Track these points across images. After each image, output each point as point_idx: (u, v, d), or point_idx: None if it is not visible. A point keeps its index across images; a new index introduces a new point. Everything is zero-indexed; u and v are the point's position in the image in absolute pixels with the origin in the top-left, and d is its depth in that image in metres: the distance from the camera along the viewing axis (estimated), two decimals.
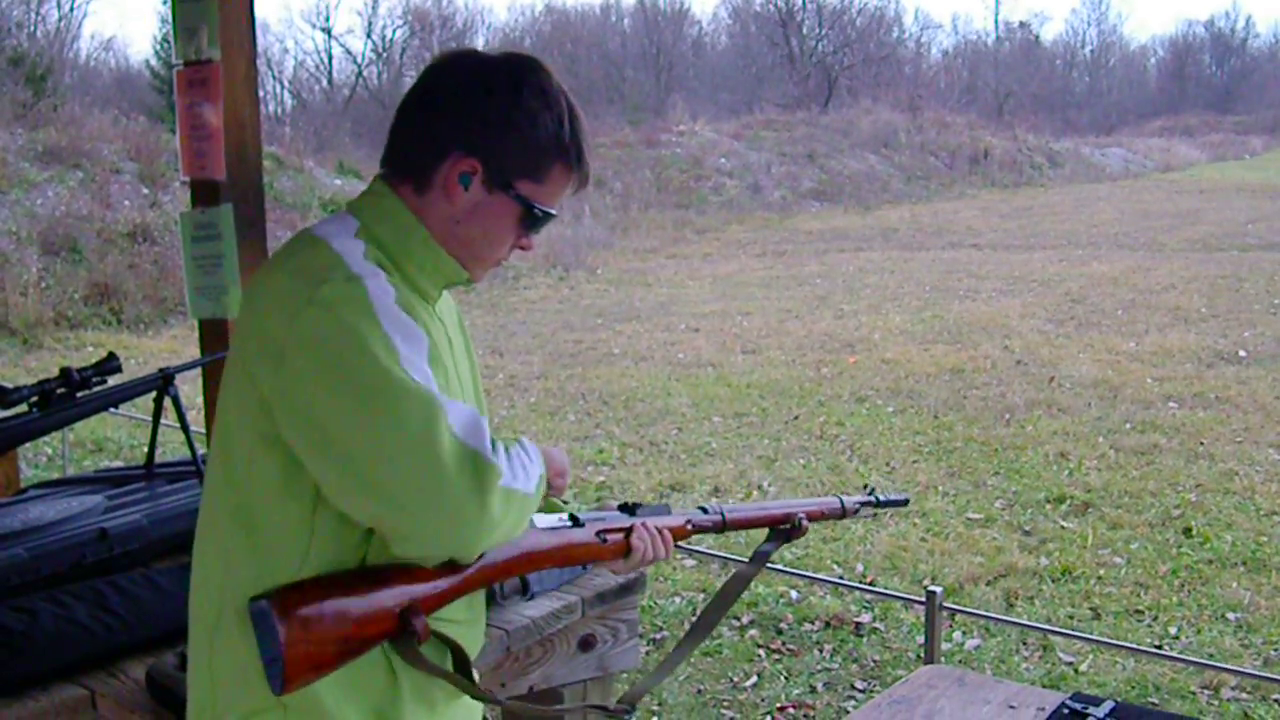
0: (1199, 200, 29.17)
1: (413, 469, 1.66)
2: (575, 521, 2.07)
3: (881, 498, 2.60)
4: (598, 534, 2.07)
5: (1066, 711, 2.56)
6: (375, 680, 1.85)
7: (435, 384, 1.74)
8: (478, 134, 1.86)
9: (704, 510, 2.27)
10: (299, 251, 1.86)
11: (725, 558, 6.28)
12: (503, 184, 1.88)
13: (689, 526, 2.22)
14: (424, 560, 1.79)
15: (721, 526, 2.28)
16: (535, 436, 9.54)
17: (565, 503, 2.14)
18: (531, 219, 1.93)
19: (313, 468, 1.74)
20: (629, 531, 2.10)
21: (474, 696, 1.97)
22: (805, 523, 2.37)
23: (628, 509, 2.15)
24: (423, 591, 1.82)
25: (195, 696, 1.91)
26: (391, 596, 1.79)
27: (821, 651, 5.67)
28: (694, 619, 2.40)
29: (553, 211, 1.94)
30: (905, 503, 2.75)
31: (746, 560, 2.42)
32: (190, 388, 6.97)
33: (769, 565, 6.07)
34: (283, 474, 1.78)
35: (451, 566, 1.84)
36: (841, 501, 2.48)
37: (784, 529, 2.36)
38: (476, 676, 1.98)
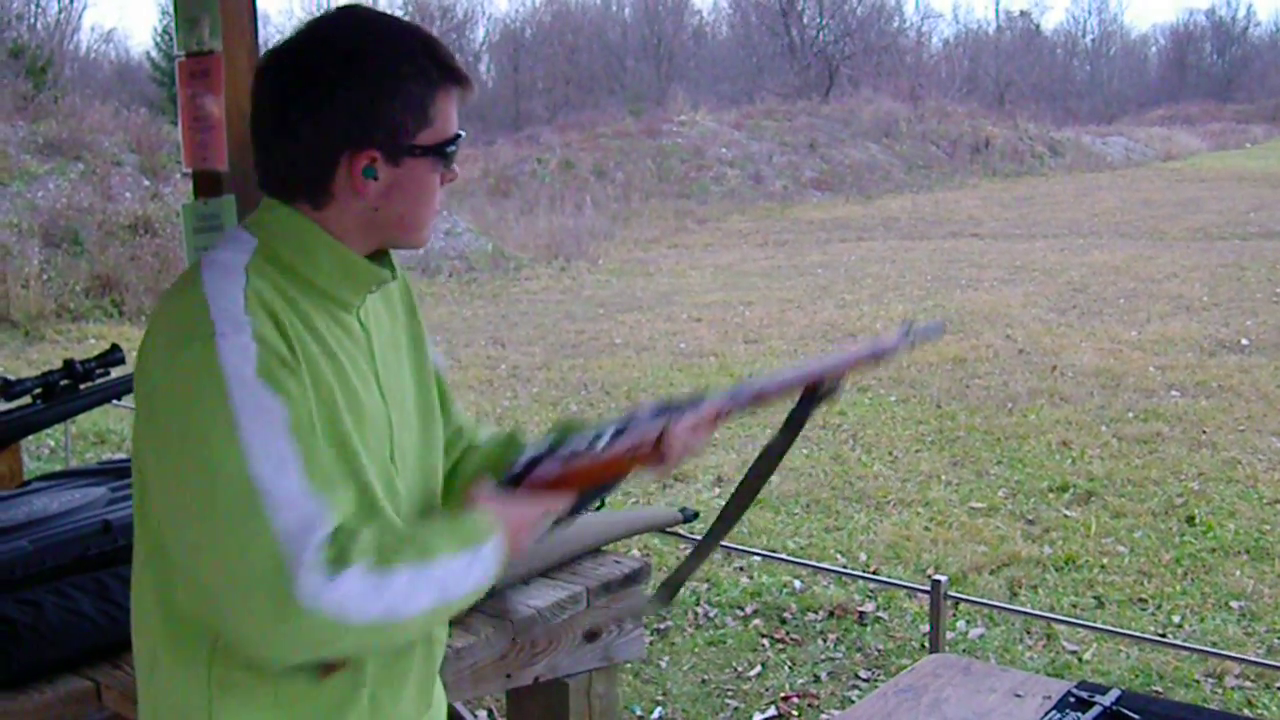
0: (1200, 189, 29.14)
1: (221, 566, 1.57)
2: (591, 441, 2.01)
3: (917, 331, 2.40)
4: (628, 450, 2.00)
5: (1072, 699, 2.55)
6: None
7: (299, 461, 1.61)
8: (356, 126, 1.73)
9: (736, 390, 2.16)
10: (176, 293, 1.75)
11: (730, 547, 6.28)
12: (405, 150, 1.76)
13: (719, 416, 2.11)
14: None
15: (756, 403, 2.16)
16: (539, 428, 9.55)
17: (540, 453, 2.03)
18: (446, 157, 1.82)
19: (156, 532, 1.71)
20: (659, 439, 2.02)
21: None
22: (840, 385, 2.22)
23: (661, 410, 2.06)
24: None
25: None
26: None
27: (825, 641, 5.67)
28: (727, 501, 2.26)
29: (460, 135, 1.83)
30: (941, 331, 2.60)
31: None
32: None
33: (773, 555, 6.09)
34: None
35: None
36: (875, 348, 2.32)
37: (818, 394, 2.22)
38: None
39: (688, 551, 6.32)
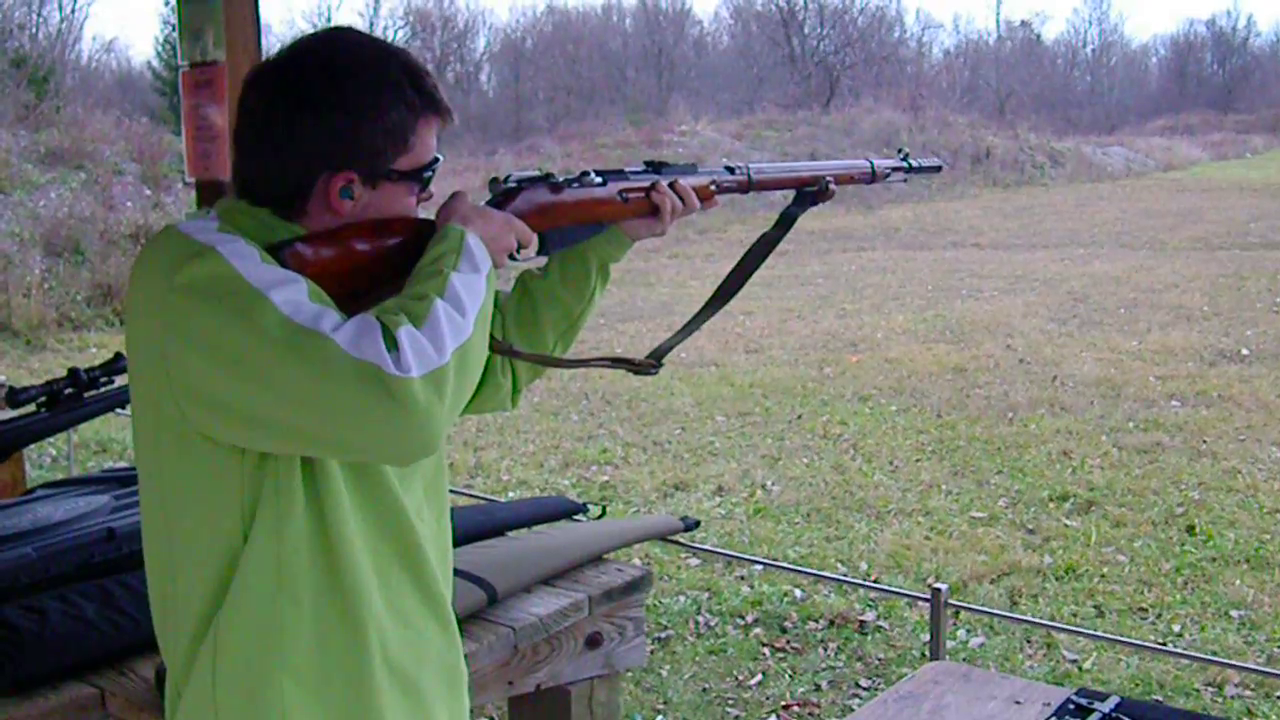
0: (1201, 199, 29.16)
1: (329, 404, 1.59)
2: (581, 177, 2.05)
3: (914, 163, 2.52)
4: (619, 192, 2.05)
5: (1072, 707, 2.57)
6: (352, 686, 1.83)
7: (328, 304, 1.67)
8: (335, 149, 1.77)
9: (730, 170, 2.22)
10: (152, 247, 1.78)
11: (730, 555, 6.30)
12: (383, 175, 1.81)
13: (713, 186, 2.18)
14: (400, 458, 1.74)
15: (747, 187, 2.25)
16: (539, 437, 9.57)
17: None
18: (423, 182, 1.88)
19: (253, 444, 1.70)
20: (651, 189, 2.07)
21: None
22: (832, 185, 2.32)
23: (653, 166, 2.13)
24: None
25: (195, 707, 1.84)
26: None
27: (826, 650, 5.68)
28: (717, 286, 2.34)
29: (436, 159, 1.88)
30: (939, 168, 2.65)
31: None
32: None
33: (774, 564, 6.09)
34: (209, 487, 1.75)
35: None
36: (871, 163, 2.42)
37: (811, 191, 2.32)
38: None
39: (689, 561, 6.30)
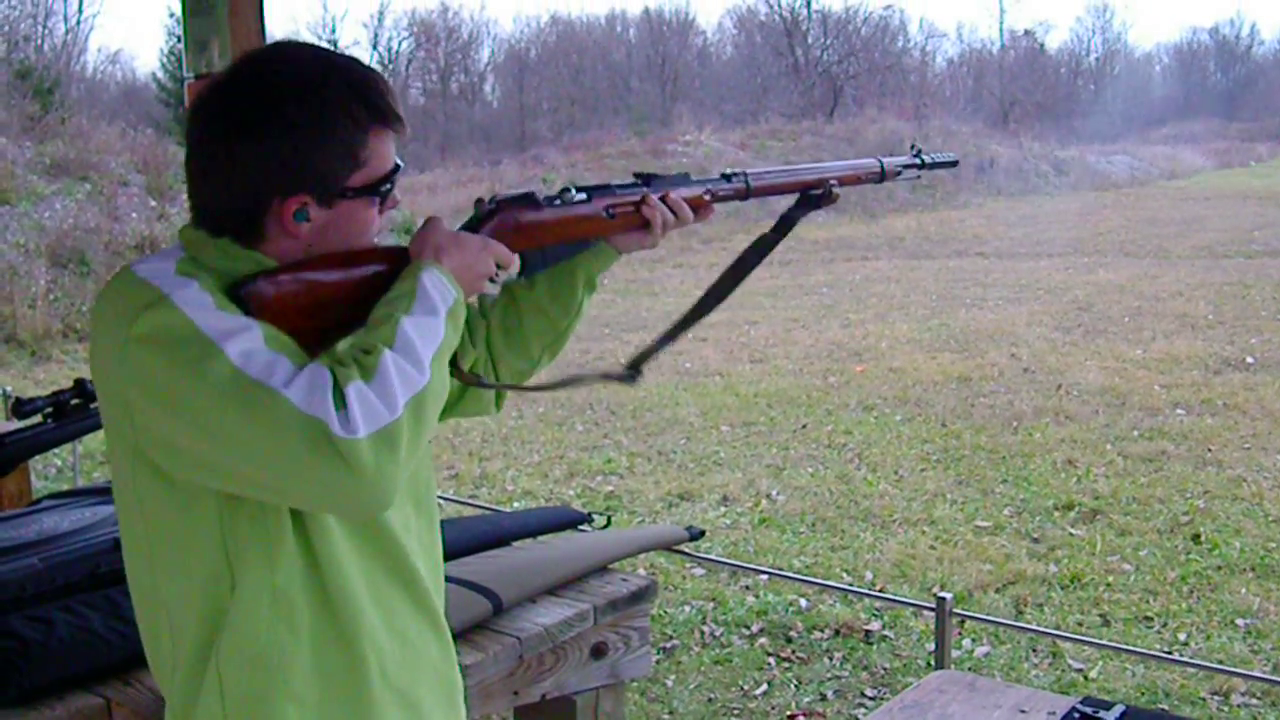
0: (1205, 207, 29.15)
1: (277, 460, 1.58)
2: (564, 194, 2.00)
3: (928, 158, 2.44)
4: (606, 208, 1.99)
5: (1077, 716, 2.57)
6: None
7: (285, 349, 1.65)
8: (282, 176, 1.73)
9: (727, 178, 2.15)
10: (109, 292, 1.75)
11: (736, 565, 6.29)
12: (337, 193, 1.77)
13: (707, 196, 2.11)
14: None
15: (746, 194, 2.16)
16: (543, 447, 9.57)
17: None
18: (382, 194, 1.83)
19: (215, 487, 1.69)
20: (639, 204, 2.01)
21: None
22: (837, 189, 2.23)
23: (644, 179, 2.06)
24: None
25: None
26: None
27: (831, 659, 5.67)
28: (711, 284, 2.31)
29: (396, 167, 1.83)
30: (955, 163, 2.57)
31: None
32: None
33: (780, 573, 6.09)
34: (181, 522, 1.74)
35: None
36: (881, 163, 2.34)
37: (814, 195, 2.23)
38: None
39: (693, 570, 6.31)
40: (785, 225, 2.23)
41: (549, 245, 2.01)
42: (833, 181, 2.22)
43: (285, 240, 1.77)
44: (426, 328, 1.71)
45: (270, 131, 1.72)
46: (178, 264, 1.73)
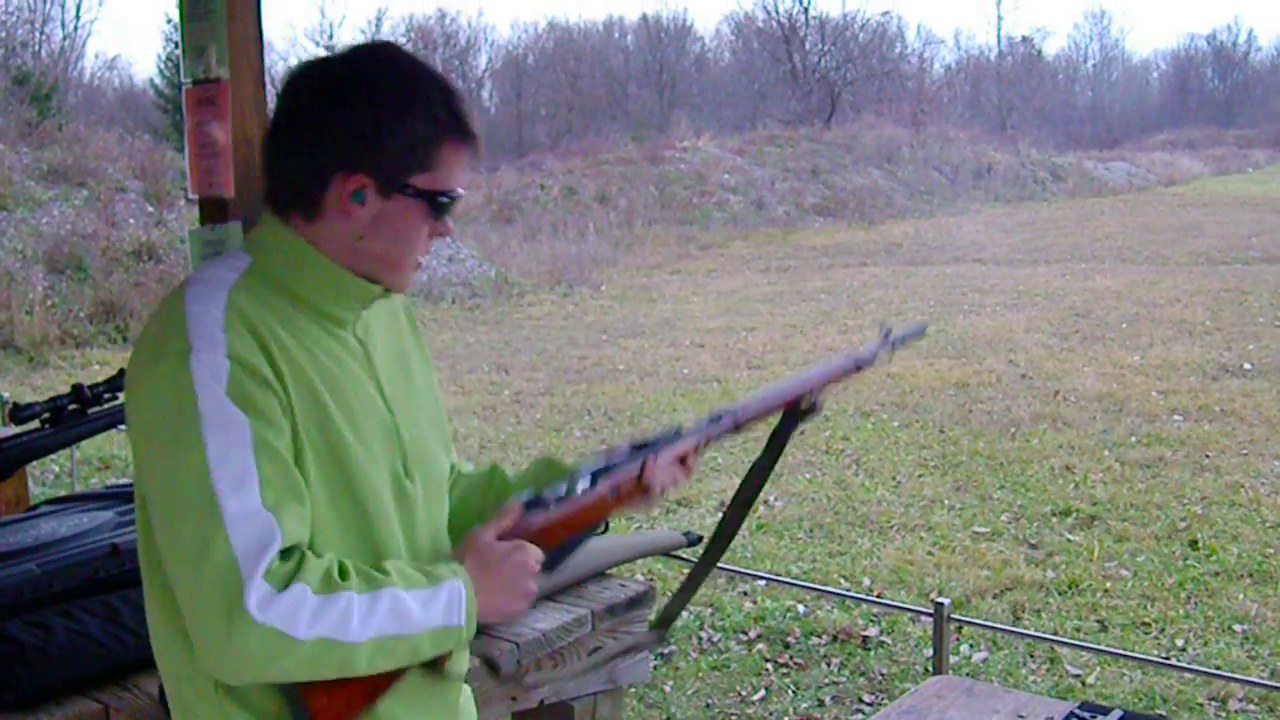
0: (1202, 213, 29.17)
1: (181, 576, 1.65)
2: (570, 486, 2.02)
3: (895, 337, 2.48)
4: (610, 490, 2.01)
5: None
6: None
7: (258, 478, 1.66)
8: (354, 149, 1.78)
9: (716, 419, 2.18)
10: (160, 309, 1.81)
11: (733, 571, 6.29)
12: (397, 187, 1.80)
13: (701, 444, 2.14)
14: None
15: (735, 429, 2.19)
16: (541, 453, 9.56)
17: (573, 472, 2.07)
18: (438, 208, 1.84)
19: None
20: (640, 473, 2.04)
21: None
22: (820, 400, 2.28)
23: (638, 447, 2.08)
24: None
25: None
26: None
27: (829, 665, 5.67)
28: (715, 527, 2.32)
29: (458, 192, 1.86)
30: (923, 333, 2.62)
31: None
32: None
33: (777, 579, 6.09)
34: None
35: None
36: (855, 359, 2.38)
37: (800, 410, 2.28)
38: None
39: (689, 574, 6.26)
40: (778, 445, 2.28)
41: (564, 542, 2.02)
42: (813, 394, 2.27)
43: (339, 221, 1.81)
44: (404, 619, 1.74)
45: (355, 101, 1.77)
46: (227, 308, 1.75)
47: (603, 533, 3.92)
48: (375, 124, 1.77)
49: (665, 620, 2.30)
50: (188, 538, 1.63)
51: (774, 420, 2.27)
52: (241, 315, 1.74)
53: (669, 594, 6.39)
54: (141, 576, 1.85)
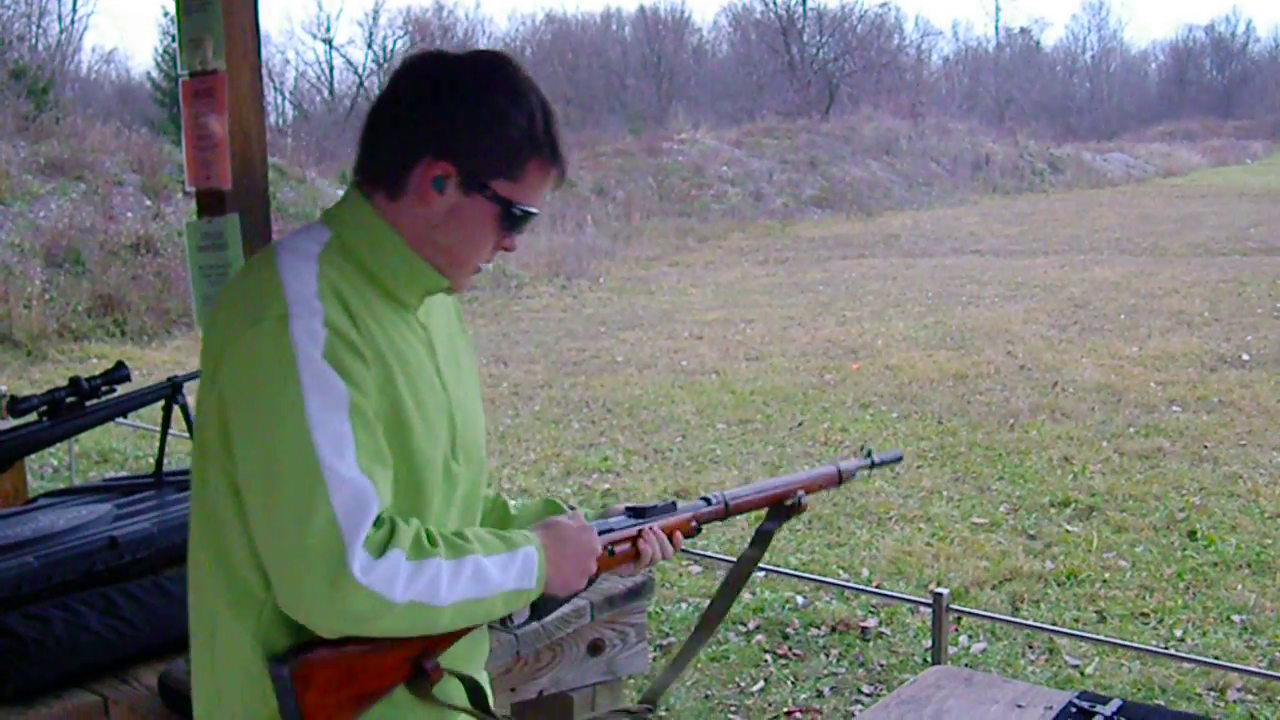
0: (1200, 205, 29.17)
1: (280, 533, 1.68)
2: None
3: (876, 459, 2.63)
4: (606, 547, 2.07)
5: (1074, 710, 2.57)
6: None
7: (354, 442, 1.71)
8: (448, 137, 1.84)
9: (707, 501, 2.28)
10: (254, 272, 1.86)
11: (731, 562, 6.27)
12: (478, 185, 1.86)
13: (694, 522, 2.23)
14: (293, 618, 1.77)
15: (725, 514, 2.30)
16: (540, 445, 9.57)
17: (572, 507, 2.13)
18: (511, 219, 1.90)
19: (230, 496, 1.79)
20: (637, 538, 2.11)
21: None
22: (805, 499, 2.41)
23: (635, 513, 2.16)
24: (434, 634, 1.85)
25: (201, 702, 1.93)
26: (402, 644, 1.83)
27: (828, 656, 5.68)
28: (703, 611, 2.42)
29: (533, 210, 1.92)
30: (899, 459, 2.77)
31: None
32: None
33: (776, 570, 6.10)
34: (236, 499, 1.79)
35: None
36: (838, 469, 2.51)
37: (786, 506, 2.40)
38: (491, 700, 2.01)
39: (690, 568, 6.30)
40: (764, 539, 2.44)
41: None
42: (800, 492, 2.41)
43: (418, 206, 1.86)
44: (483, 583, 1.82)
45: (461, 94, 1.84)
46: (319, 276, 1.80)
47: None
48: (474, 120, 1.83)
49: (651, 698, 2.36)
50: (289, 496, 1.67)
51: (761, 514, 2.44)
52: (332, 285, 1.80)
53: (667, 585, 6.39)
54: (190, 544, 1.90)
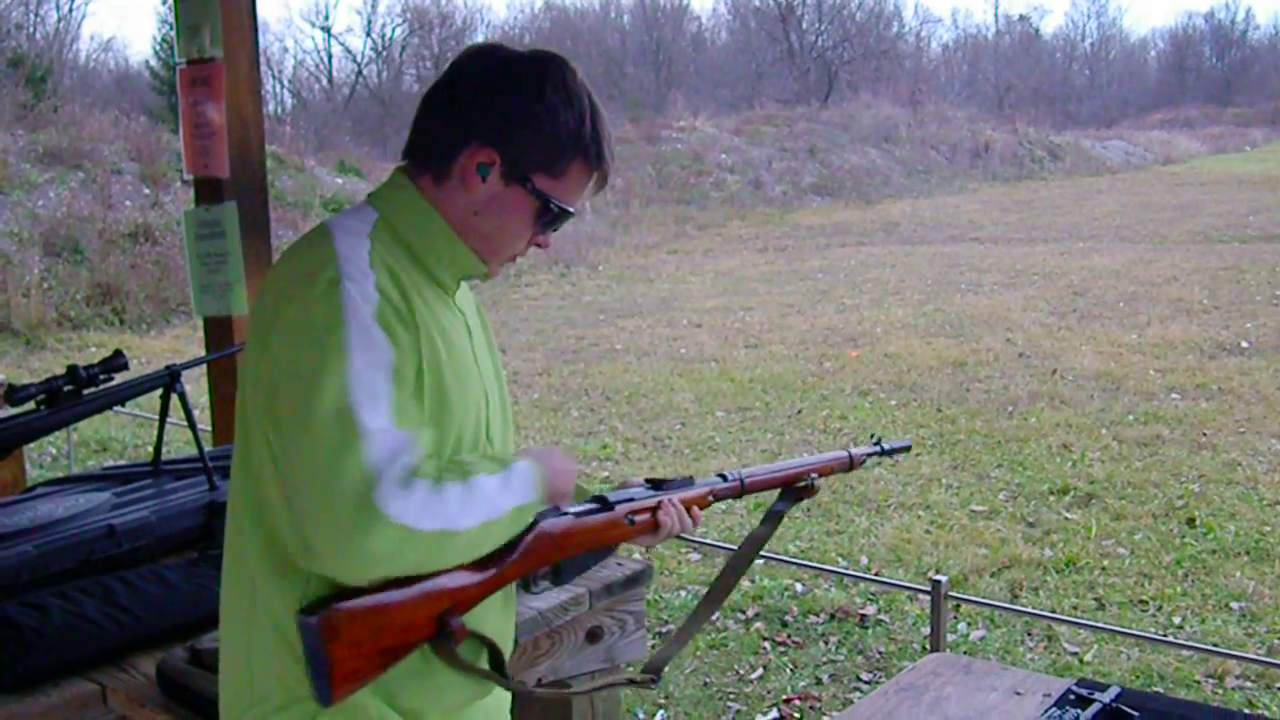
0: (1200, 192, 29.15)
1: (310, 479, 1.69)
2: (604, 504, 2.09)
3: (886, 446, 2.69)
4: (626, 515, 2.09)
5: (1072, 697, 2.56)
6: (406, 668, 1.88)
7: (391, 401, 1.74)
8: (497, 126, 1.88)
9: (723, 478, 2.31)
10: (307, 243, 1.89)
11: (731, 549, 6.28)
12: (520, 177, 1.90)
13: (711, 497, 2.25)
14: (310, 569, 1.78)
15: (740, 492, 2.34)
16: (539, 433, 9.57)
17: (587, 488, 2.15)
18: (548, 215, 1.96)
19: (263, 451, 1.82)
20: (656, 509, 2.13)
21: (507, 689, 2.06)
22: (818, 481, 2.46)
23: (654, 484, 2.18)
24: (458, 591, 1.85)
25: (231, 683, 1.94)
26: (429, 600, 1.83)
27: (827, 643, 5.68)
28: (710, 586, 2.44)
29: (570, 209, 1.96)
30: (908, 448, 2.82)
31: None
32: (196, 385, 6.98)
33: (775, 557, 6.11)
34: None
35: (484, 563, 1.88)
36: (850, 454, 2.56)
37: (798, 488, 2.45)
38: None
39: (689, 555, 6.29)
40: (775, 519, 2.48)
41: (579, 555, 2.10)
42: (813, 475, 2.47)
43: (459, 193, 1.93)
44: (492, 503, 1.83)
45: (517, 86, 1.90)
46: (371, 250, 1.85)
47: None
48: (525, 113, 1.88)
49: (655, 667, 2.35)
50: (323, 442, 1.69)
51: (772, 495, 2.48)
52: (382, 259, 1.85)
53: (666, 573, 6.39)
54: (229, 512, 1.93)
